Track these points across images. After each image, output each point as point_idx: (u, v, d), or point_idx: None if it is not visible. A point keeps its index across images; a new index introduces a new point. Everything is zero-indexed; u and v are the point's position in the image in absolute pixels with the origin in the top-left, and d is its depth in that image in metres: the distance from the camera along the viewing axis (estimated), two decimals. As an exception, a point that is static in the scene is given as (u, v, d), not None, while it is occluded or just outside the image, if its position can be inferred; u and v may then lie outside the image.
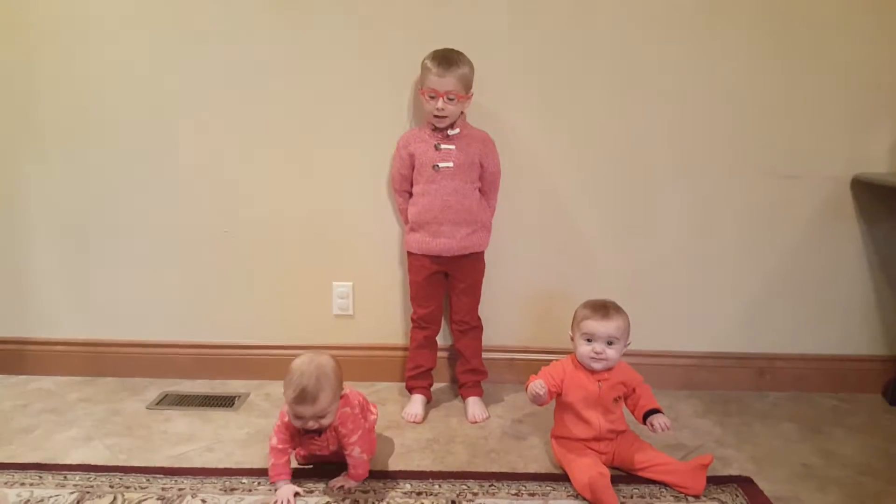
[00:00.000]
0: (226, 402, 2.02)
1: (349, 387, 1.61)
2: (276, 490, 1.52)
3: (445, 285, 1.97)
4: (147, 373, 2.16)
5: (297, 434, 1.55)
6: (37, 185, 2.09)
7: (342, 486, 1.55)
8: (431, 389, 2.03)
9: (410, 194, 1.94)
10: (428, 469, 1.66)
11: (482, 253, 1.96)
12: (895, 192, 1.96)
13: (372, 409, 1.72)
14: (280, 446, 1.53)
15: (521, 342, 2.15)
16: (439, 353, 2.05)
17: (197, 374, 2.17)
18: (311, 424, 1.49)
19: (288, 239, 2.10)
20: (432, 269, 1.92)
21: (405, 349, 2.10)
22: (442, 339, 2.08)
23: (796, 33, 1.93)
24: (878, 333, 2.11)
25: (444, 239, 1.87)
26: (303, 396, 1.45)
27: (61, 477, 1.60)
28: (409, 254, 1.95)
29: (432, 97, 1.80)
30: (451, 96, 1.79)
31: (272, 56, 1.98)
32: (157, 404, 2.00)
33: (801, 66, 1.95)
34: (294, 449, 1.58)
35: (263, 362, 2.15)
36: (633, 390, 1.64)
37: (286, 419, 1.52)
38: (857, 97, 1.96)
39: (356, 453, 1.54)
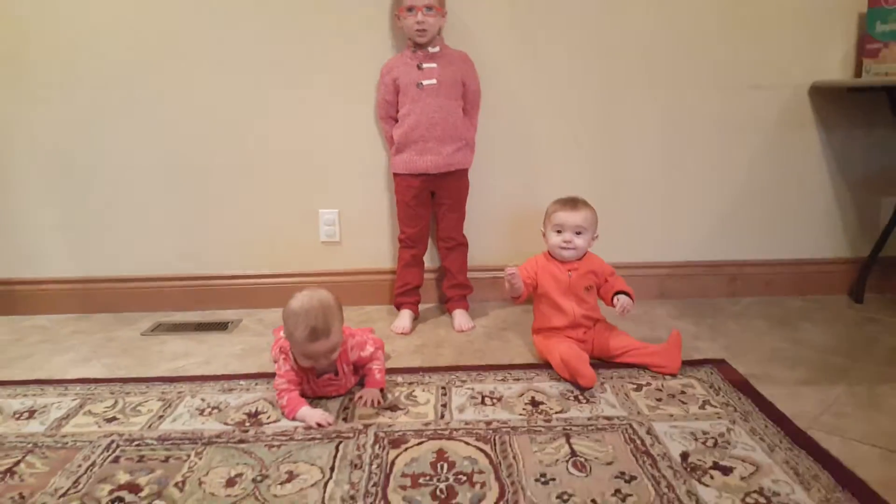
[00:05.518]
0: (219, 326, 2.07)
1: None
2: (302, 419, 1.41)
3: (432, 205, 2.04)
4: (139, 307, 2.21)
5: (308, 380, 1.50)
6: (21, 123, 2.11)
7: (372, 400, 1.48)
8: (419, 308, 2.09)
9: (396, 121, 1.99)
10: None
11: (466, 170, 2.03)
12: (851, 97, 2.06)
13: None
14: (290, 386, 1.47)
15: (501, 261, 2.19)
16: (426, 275, 2.12)
17: (189, 306, 2.21)
18: (323, 361, 1.46)
19: (273, 168, 2.14)
20: (419, 189, 1.97)
21: (392, 272, 2.17)
22: (429, 260, 2.14)
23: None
24: (842, 236, 2.22)
25: (430, 156, 1.92)
26: (315, 333, 1.41)
27: (62, 388, 1.65)
28: (396, 175, 2.00)
29: (410, 11, 1.86)
30: (430, 6, 1.85)
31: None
32: (152, 331, 2.04)
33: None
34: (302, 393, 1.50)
35: (254, 291, 2.20)
36: (606, 280, 1.73)
37: (291, 364, 1.48)
38: (813, 8, 2.05)
39: (381, 356, 1.59)
